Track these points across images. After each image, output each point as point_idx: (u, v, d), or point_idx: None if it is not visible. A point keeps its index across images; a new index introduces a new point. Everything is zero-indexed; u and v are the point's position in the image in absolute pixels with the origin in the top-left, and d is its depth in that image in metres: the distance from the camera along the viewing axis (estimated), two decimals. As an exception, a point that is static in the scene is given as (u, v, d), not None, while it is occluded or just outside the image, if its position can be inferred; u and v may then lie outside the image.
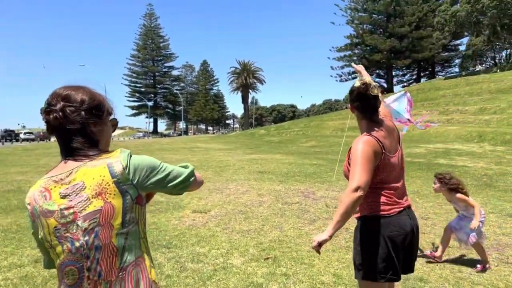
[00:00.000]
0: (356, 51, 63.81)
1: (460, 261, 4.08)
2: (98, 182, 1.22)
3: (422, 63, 64.50)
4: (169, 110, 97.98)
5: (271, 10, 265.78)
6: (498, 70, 39.69)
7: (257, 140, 36.29)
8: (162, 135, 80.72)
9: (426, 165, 11.89)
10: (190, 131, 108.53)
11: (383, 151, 2.06)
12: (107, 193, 1.21)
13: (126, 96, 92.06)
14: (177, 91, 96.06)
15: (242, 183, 9.36)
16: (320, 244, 1.93)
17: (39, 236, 1.26)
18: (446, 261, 4.07)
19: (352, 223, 5.11)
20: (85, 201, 1.20)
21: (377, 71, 65.57)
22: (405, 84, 67.96)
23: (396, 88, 65.43)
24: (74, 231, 1.20)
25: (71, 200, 1.21)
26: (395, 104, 4.88)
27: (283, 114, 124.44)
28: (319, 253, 2.01)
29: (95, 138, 1.31)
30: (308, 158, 15.41)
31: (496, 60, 62.26)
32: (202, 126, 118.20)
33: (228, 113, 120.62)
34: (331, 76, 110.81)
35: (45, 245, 1.25)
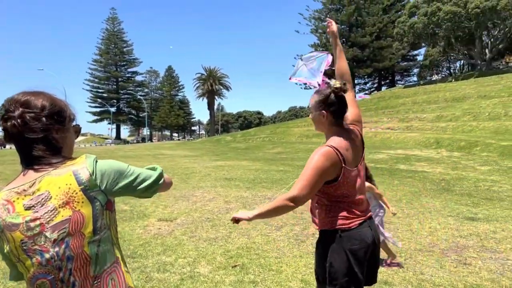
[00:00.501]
0: (320, 59, 65.14)
1: (422, 263, 4.21)
2: (65, 191, 1.18)
3: (382, 72, 66.78)
4: (132, 116, 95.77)
5: (237, 17, 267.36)
6: (453, 80, 41.76)
7: (223, 146, 36.15)
8: (125, 142, 78.77)
9: (388, 171, 12.27)
10: (155, 138, 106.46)
11: (343, 164, 1.97)
12: (75, 201, 1.18)
13: (87, 102, 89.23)
14: (141, 97, 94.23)
15: (208, 190, 9.27)
16: (237, 220, 2.04)
17: (5, 251, 1.19)
18: (409, 264, 4.20)
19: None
20: (51, 212, 1.16)
21: (340, 79, 67.23)
22: (366, 92, 70.03)
23: (358, 95, 67.26)
24: (43, 243, 1.16)
25: (36, 212, 1.16)
26: (313, 63, 4.08)
27: (249, 121, 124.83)
28: (237, 223, 2.07)
29: (57, 145, 1.26)
30: (275, 165, 15.51)
31: (451, 70, 65.60)
32: (167, 132, 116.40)
33: (194, 119, 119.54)
34: (296, 84, 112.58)
35: (13, 259, 1.20)
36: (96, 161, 1.26)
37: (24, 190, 1.18)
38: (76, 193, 1.18)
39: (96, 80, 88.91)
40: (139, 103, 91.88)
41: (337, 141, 2.02)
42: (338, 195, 2.02)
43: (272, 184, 10.12)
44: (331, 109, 2.06)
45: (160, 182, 1.40)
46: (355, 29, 60.25)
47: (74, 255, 1.18)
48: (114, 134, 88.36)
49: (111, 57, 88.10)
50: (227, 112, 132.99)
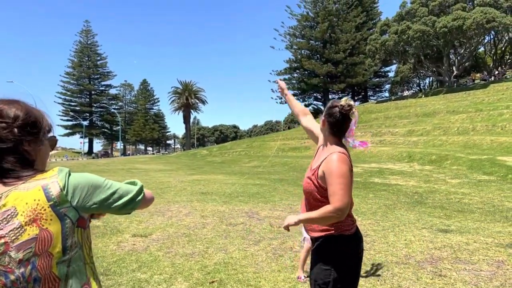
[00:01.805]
0: (295, 75, 66.13)
1: (399, 275, 4.24)
2: (32, 207, 1.09)
3: (355, 88, 68.33)
4: (106, 130, 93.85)
5: (213, 31, 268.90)
6: (423, 96, 43.17)
7: (199, 160, 35.86)
8: (98, 156, 77.00)
9: (362, 184, 12.44)
10: (128, 152, 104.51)
11: (352, 169, 2.13)
12: (43, 218, 1.10)
13: (59, 115, 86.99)
14: (115, 110, 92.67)
15: (184, 204, 9.12)
16: (288, 227, 2.15)
17: None
18: (387, 276, 4.22)
19: (296, 241, 5.17)
20: (17, 229, 1.08)
21: (315, 95, 68.35)
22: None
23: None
24: (7, 263, 1.07)
25: (1, 229, 1.07)
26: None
27: (225, 135, 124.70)
28: (288, 230, 2.18)
29: (29, 158, 1.18)
30: (251, 178, 15.47)
31: (421, 86, 67.89)
32: (141, 146, 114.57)
33: (169, 133, 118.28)
34: (272, 98, 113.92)
35: None
36: (69, 175, 1.18)
37: None
38: (45, 210, 1.10)
39: (69, 93, 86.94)
40: (113, 117, 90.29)
41: (342, 147, 2.17)
42: None
43: (249, 198, 10.07)
44: (330, 119, 2.17)
45: (139, 198, 1.31)
46: (329, 45, 61.60)
47: (41, 277, 1.10)
48: (86, 148, 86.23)
49: (84, 70, 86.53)
50: (203, 126, 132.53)
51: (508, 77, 41.58)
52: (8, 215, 1.08)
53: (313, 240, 2.25)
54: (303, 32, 63.48)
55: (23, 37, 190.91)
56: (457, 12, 37.93)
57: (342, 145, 2.19)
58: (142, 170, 23.59)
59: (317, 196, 2.12)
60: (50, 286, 1.12)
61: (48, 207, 1.11)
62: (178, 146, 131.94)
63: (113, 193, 1.24)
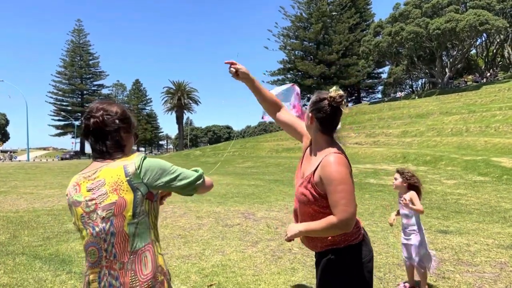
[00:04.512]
0: (289, 75, 66.13)
1: (401, 277, 4.15)
2: (115, 180, 1.47)
3: (349, 89, 68.55)
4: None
5: (206, 31, 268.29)
6: (416, 97, 43.39)
7: (192, 161, 35.63)
8: (90, 156, 76.18)
9: (358, 185, 12.37)
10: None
11: (351, 170, 1.91)
12: (121, 189, 1.46)
13: (50, 115, 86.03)
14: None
15: (179, 205, 8.96)
16: (290, 239, 1.95)
17: (73, 221, 1.56)
18: (389, 278, 4.12)
19: (294, 242, 5.02)
20: (104, 195, 1.47)
21: (308, 96, 68.44)
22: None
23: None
24: (95, 218, 1.47)
25: (94, 193, 1.48)
26: (281, 97, 4.19)
27: (218, 135, 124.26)
28: (291, 241, 1.98)
29: (122, 143, 1.60)
30: (246, 179, 15.34)
31: (414, 88, 68.29)
32: (133, 147, 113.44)
33: (161, 133, 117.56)
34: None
35: (76, 228, 1.56)
36: (144, 159, 1.52)
37: (89, 176, 1.53)
38: (123, 183, 1.47)
39: (60, 92, 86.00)
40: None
41: (336, 146, 1.90)
42: None
43: (244, 198, 9.94)
44: (318, 115, 1.89)
45: (198, 182, 1.65)
46: (322, 46, 61.72)
47: (116, 232, 1.46)
48: (78, 149, 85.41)
49: (76, 70, 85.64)
50: (196, 126, 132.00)
51: (500, 79, 41.94)
52: (99, 184, 1.49)
53: (317, 255, 2.03)
54: (296, 33, 63.54)
55: (14, 35, 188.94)
56: (450, 14, 38.22)
57: (335, 143, 1.92)
58: (135, 170, 23.33)
59: (316, 208, 1.86)
60: (121, 240, 1.47)
61: (126, 181, 1.47)
62: (170, 146, 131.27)
63: (176, 176, 1.58)
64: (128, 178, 1.46)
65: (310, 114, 1.92)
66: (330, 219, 1.78)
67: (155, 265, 1.51)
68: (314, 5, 61.96)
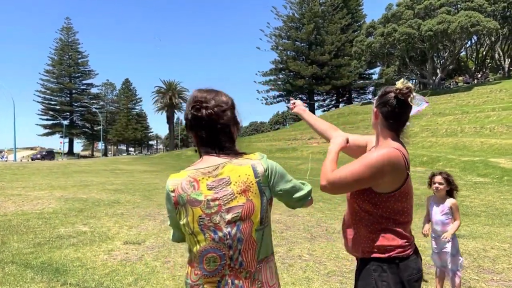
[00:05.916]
0: (281, 76, 65.98)
1: (425, 287, 3.88)
2: (243, 180, 1.31)
3: (340, 90, 68.66)
4: (86, 130, 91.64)
5: (196, 31, 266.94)
6: (408, 98, 43.45)
7: (184, 161, 35.16)
8: (79, 156, 75.16)
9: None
10: (110, 152, 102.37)
11: (407, 171, 1.65)
12: (250, 191, 1.31)
13: (38, 114, 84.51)
14: (96, 110, 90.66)
15: (176, 208, 8.61)
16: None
17: (181, 222, 1.34)
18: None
19: (303, 248, 4.71)
20: (230, 195, 1.30)
21: (300, 96, 68.35)
22: (325, 108, 71.63)
23: (317, 112, 68.69)
24: (218, 221, 1.29)
25: (217, 193, 1.30)
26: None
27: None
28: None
29: (233, 137, 1.42)
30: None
31: (405, 89, 68.59)
32: (122, 147, 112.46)
33: (151, 133, 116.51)
34: (257, 99, 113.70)
35: (186, 230, 1.34)
36: (266, 159, 1.39)
37: (209, 172, 1.33)
38: (253, 184, 1.32)
39: (48, 91, 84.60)
40: (94, 116, 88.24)
41: (398, 144, 1.68)
42: (396, 210, 1.65)
43: (243, 200, 9.62)
44: (384, 109, 1.69)
45: (310, 198, 1.48)
46: (314, 47, 61.69)
47: (243, 238, 1.30)
48: (66, 148, 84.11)
49: (64, 68, 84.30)
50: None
51: (491, 80, 42.29)
52: (223, 182, 1.31)
53: (358, 262, 1.80)
54: (288, 33, 63.42)
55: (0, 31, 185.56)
56: (442, 15, 38.35)
57: (400, 142, 1.72)
58: (127, 171, 22.86)
59: (361, 203, 1.70)
60: (249, 247, 1.32)
61: (255, 183, 1.32)
62: (160, 146, 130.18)
63: (294, 186, 1.43)
64: (257, 180, 1.32)
65: (375, 110, 1.74)
66: (326, 171, 1.66)
67: (276, 276, 1.42)
68: (306, 6, 61.92)
